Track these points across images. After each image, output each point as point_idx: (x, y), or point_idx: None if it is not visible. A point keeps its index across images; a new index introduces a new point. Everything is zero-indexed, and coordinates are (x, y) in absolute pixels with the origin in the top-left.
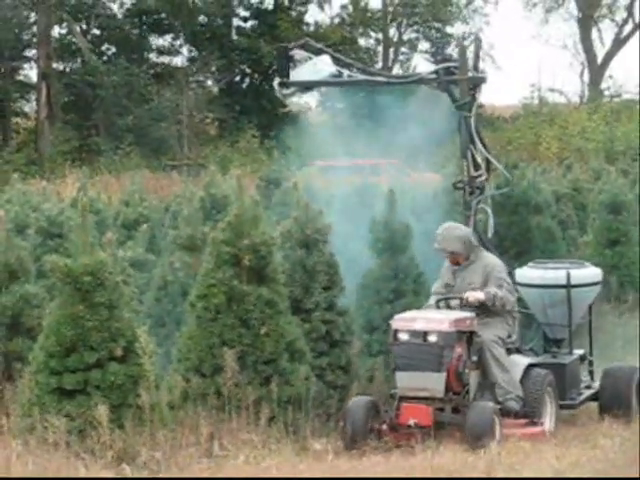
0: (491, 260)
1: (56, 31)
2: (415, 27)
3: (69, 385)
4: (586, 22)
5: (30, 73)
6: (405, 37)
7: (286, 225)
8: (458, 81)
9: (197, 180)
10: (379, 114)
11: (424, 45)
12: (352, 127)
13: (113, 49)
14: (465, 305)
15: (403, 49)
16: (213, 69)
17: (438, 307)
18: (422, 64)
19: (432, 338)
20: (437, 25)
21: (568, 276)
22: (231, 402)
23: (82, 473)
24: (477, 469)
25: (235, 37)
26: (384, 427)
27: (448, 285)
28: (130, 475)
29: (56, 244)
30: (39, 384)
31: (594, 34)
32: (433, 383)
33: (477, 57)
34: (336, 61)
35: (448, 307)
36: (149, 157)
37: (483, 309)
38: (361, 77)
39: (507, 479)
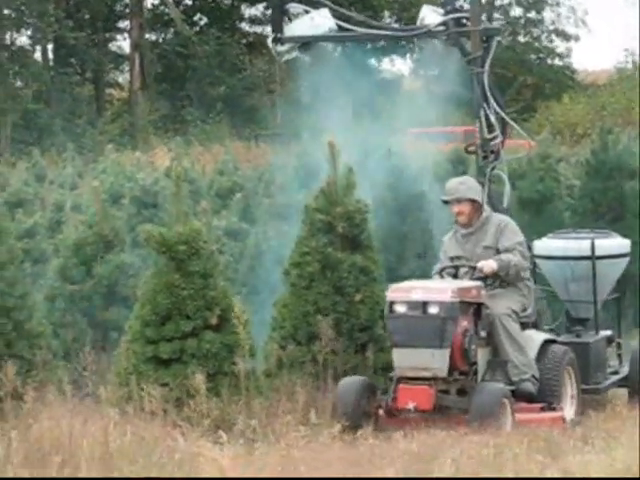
0: (504, 218)
1: (149, 2)
2: None
3: (165, 354)
4: None
5: (123, 44)
6: (498, 2)
7: (379, 192)
8: (469, 33)
9: (289, 149)
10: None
11: (517, 11)
12: (445, 94)
13: (205, 19)
14: (478, 277)
15: (496, 15)
16: None
17: (442, 277)
18: (430, 15)
19: (433, 310)
20: None
21: (593, 246)
22: (327, 370)
23: (180, 441)
24: (574, 436)
25: None
26: (380, 411)
27: (455, 258)
28: (227, 442)
29: (150, 214)
30: (135, 353)
31: None
32: (435, 361)
33: (492, 6)
34: (336, 14)
35: (454, 277)
36: (240, 127)
37: (495, 278)
38: (363, 31)
39: (503, 479)
